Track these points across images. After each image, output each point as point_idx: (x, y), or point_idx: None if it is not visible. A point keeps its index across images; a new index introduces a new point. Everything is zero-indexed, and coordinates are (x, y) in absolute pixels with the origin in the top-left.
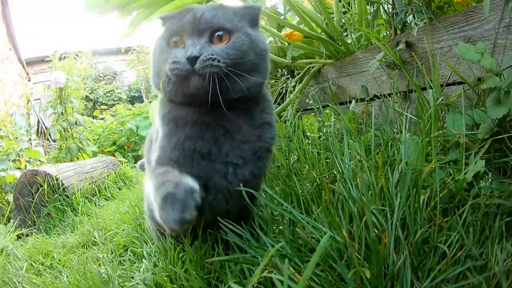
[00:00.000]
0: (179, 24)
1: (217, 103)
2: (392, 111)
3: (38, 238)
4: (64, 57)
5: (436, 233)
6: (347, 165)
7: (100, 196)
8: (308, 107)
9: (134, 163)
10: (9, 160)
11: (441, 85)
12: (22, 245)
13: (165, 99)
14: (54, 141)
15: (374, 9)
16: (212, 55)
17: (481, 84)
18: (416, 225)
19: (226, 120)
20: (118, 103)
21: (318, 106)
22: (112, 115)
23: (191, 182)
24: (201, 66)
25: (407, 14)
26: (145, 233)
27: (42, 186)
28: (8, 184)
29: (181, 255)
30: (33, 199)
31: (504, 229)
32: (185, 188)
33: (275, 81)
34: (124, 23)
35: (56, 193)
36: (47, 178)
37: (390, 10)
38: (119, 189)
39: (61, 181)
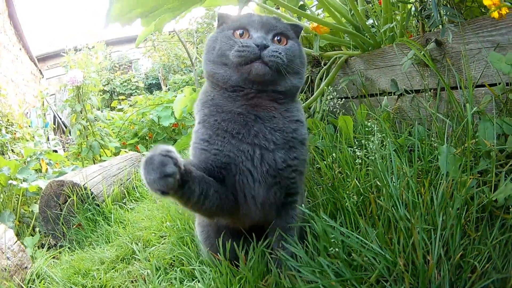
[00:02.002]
0: (246, 20)
1: (260, 93)
2: (423, 109)
3: (72, 254)
4: (80, 49)
5: (470, 247)
6: (394, 183)
7: (129, 197)
8: (339, 97)
9: None
10: (31, 168)
11: (467, 87)
12: (55, 263)
13: (210, 87)
14: (70, 132)
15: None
16: (277, 49)
17: (509, 93)
18: (455, 244)
19: (260, 109)
20: (135, 92)
21: (349, 97)
22: (130, 105)
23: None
24: (268, 55)
25: (440, 17)
26: (190, 248)
27: (70, 197)
28: (30, 193)
29: (238, 277)
30: (61, 210)
31: None
32: (161, 150)
33: None
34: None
35: (86, 203)
36: (75, 188)
37: (418, 5)
38: None
39: (90, 189)
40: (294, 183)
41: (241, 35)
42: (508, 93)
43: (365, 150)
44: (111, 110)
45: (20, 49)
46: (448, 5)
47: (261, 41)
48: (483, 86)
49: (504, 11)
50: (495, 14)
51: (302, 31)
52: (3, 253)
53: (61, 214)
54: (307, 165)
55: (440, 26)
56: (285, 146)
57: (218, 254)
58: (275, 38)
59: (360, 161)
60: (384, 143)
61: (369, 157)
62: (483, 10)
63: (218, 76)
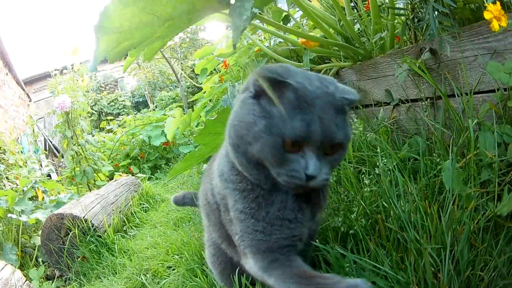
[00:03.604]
0: (305, 129)
1: None
2: (420, 117)
3: None
4: (66, 72)
5: (478, 258)
6: (402, 207)
7: (129, 224)
8: None
9: (151, 174)
10: (28, 199)
11: (466, 94)
12: None
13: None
14: (62, 156)
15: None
16: (326, 175)
17: (508, 101)
18: (464, 260)
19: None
20: (123, 111)
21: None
22: (119, 125)
23: None
24: (314, 184)
25: (437, 28)
26: (201, 279)
27: (72, 230)
28: (29, 225)
29: None
30: (63, 243)
31: None
32: None
33: None
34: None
35: (88, 235)
36: (75, 221)
37: (410, 14)
38: (145, 211)
39: (90, 221)
40: (315, 235)
41: (293, 146)
42: (506, 100)
43: (367, 169)
44: (100, 131)
45: (7, 73)
46: (441, 13)
47: (312, 172)
48: (479, 92)
49: (504, 23)
50: (496, 27)
51: (291, 44)
52: None
53: (64, 247)
54: None
55: (444, 43)
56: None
57: None
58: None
59: (367, 188)
60: (385, 160)
61: (374, 180)
62: (475, 12)
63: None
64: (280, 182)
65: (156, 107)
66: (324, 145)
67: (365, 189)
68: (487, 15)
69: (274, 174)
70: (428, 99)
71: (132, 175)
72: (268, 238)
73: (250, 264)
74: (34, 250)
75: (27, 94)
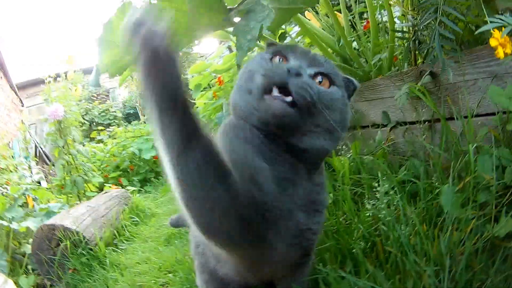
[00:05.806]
0: (290, 49)
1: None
2: (417, 140)
3: None
4: (59, 80)
5: (474, 277)
6: (403, 231)
7: (119, 238)
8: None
9: (140, 187)
10: (18, 206)
11: (465, 117)
12: None
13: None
14: (53, 165)
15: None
16: (312, 84)
17: (507, 124)
18: (462, 282)
19: (291, 167)
20: (113, 121)
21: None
22: (109, 136)
23: None
24: (295, 84)
25: (441, 52)
26: None
27: (63, 241)
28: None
29: None
30: (54, 254)
31: None
32: None
33: None
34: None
35: (79, 247)
36: (67, 232)
37: (411, 36)
38: (135, 225)
39: (82, 234)
40: (312, 244)
41: (278, 61)
42: (505, 123)
43: (365, 191)
44: (90, 141)
45: (1, 77)
46: (444, 37)
47: (295, 67)
48: (478, 116)
49: (509, 49)
50: (501, 54)
51: None
52: None
53: (55, 257)
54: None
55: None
56: (310, 209)
57: None
58: (317, 79)
59: (368, 213)
60: (386, 185)
61: (375, 206)
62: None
63: (240, 109)
64: (258, 84)
65: (147, 120)
66: (310, 65)
67: (365, 213)
68: (492, 42)
69: (256, 79)
70: (426, 122)
71: (122, 187)
72: None
73: None
74: (24, 257)
75: (20, 99)
